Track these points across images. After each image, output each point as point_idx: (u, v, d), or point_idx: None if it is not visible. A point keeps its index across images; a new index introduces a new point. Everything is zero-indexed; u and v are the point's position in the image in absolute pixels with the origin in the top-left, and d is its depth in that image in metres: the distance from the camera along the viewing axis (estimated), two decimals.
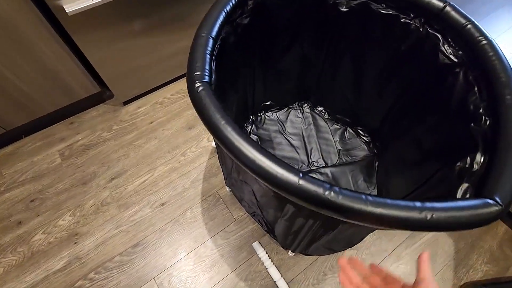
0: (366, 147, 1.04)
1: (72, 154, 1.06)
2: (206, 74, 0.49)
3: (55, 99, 1.03)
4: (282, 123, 1.07)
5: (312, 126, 1.07)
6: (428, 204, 0.37)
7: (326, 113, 1.11)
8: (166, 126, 1.13)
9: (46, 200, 0.97)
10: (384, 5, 0.70)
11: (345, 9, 0.74)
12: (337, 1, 0.73)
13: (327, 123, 1.09)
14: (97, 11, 0.84)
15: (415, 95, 0.77)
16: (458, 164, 0.54)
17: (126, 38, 0.97)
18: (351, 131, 1.07)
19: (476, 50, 0.56)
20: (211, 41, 0.53)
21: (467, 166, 0.52)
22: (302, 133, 1.06)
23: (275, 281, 0.83)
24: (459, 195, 0.47)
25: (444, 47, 0.64)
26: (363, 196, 0.37)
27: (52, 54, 0.90)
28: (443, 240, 0.91)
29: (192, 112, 1.17)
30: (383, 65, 0.81)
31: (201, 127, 1.13)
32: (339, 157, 1.02)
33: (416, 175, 0.71)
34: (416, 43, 0.69)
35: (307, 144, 1.03)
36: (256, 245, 0.88)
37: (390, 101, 0.86)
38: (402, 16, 0.69)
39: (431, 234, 0.92)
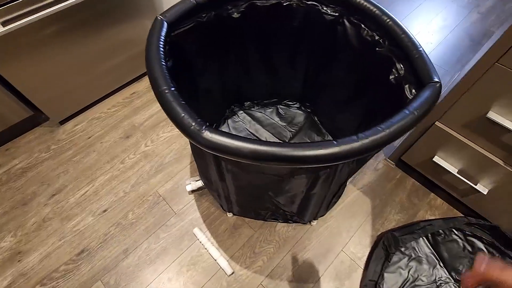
0: (300, 111, 1.21)
1: (10, 179, 1.08)
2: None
3: None
4: None
5: (253, 121, 1.18)
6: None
7: (255, 104, 1.22)
8: (104, 138, 1.18)
9: None
10: None
11: (237, 15, 0.85)
12: (229, 11, 0.84)
13: (261, 112, 1.21)
14: (15, 39, 0.89)
15: (321, 54, 0.94)
16: (391, 77, 0.69)
17: (54, 62, 1.02)
18: (282, 106, 1.22)
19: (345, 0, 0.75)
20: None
21: (397, 75, 0.68)
22: (250, 131, 1.16)
23: (215, 260, 0.90)
24: (408, 95, 0.62)
25: (324, 9, 0.81)
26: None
27: None
28: (361, 200, 1.04)
29: (129, 122, 1.23)
30: (286, 45, 0.95)
31: (138, 134, 1.19)
32: (289, 131, 1.16)
33: (358, 106, 0.89)
34: (304, 16, 0.84)
35: (260, 137, 1.14)
36: (196, 230, 0.95)
37: (303, 68, 1.03)
38: (282, 1, 0.82)
39: (352, 195, 1.05)
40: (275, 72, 1.07)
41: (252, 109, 1.22)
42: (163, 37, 0.64)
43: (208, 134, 0.47)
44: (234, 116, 1.20)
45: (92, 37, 1.07)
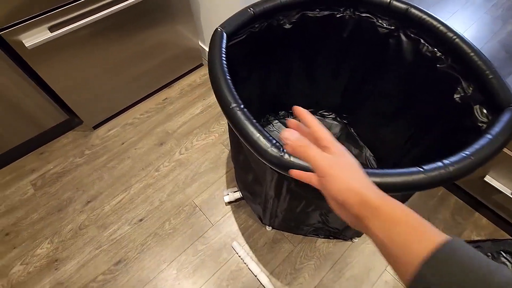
0: (336, 122, 1.18)
1: (45, 183, 1.07)
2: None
3: (22, 131, 1.05)
4: None
5: None
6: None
7: (289, 114, 1.20)
8: (138, 145, 1.17)
9: (22, 231, 0.97)
10: (318, 10, 0.80)
11: (288, 26, 0.83)
12: (281, 22, 0.81)
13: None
14: (57, 43, 0.88)
15: (367, 66, 0.90)
16: (456, 96, 0.65)
17: (89, 65, 1.02)
18: (317, 117, 1.19)
19: (406, 14, 0.71)
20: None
21: (463, 94, 0.64)
22: None
23: (256, 275, 0.88)
24: (479, 116, 0.59)
25: (379, 22, 0.78)
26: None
27: (14, 87, 0.93)
28: None
29: (162, 128, 1.21)
30: (332, 56, 0.93)
31: (172, 142, 1.18)
32: None
33: (405, 120, 0.86)
34: (355, 28, 0.82)
35: None
36: (235, 244, 0.93)
37: (345, 79, 1.00)
38: (335, 13, 0.80)
39: None
40: (315, 82, 1.05)
41: (287, 118, 1.20)
42: (224, 49, 0.62)
43: (288, 158, 0.45)
44: (269, 126, 1.18)
45: (126, 40, 1.05)
